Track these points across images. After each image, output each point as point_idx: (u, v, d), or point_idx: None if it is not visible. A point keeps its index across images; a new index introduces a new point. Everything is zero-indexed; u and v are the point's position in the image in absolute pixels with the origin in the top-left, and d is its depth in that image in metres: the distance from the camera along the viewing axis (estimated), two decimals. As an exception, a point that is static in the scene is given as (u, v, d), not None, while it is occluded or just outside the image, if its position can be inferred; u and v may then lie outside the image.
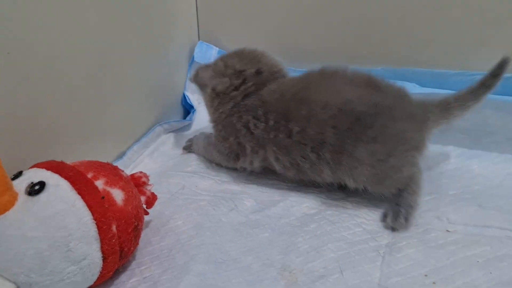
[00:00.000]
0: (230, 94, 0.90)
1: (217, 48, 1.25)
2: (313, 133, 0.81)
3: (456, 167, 0.95)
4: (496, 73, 0.84)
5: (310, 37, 1.15)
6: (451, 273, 0.70)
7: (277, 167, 0.88)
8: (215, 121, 0.95)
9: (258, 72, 0.89)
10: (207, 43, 1.26)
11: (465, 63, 1.02)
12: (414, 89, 1.03)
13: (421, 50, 1.06)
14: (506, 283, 0.67)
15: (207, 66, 0.96)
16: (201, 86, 0.97)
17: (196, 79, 0.96)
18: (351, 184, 0.82)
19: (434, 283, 0.68)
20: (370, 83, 0.83)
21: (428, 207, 0.83)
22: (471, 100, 0.85)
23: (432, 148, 0.96)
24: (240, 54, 0.93)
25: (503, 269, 0.70)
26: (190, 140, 1.08)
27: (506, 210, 0.81)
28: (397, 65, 1.08)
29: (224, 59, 0.94)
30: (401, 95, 0.85)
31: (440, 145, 1.00)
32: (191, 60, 1.24)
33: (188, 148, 1.07)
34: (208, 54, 1.25)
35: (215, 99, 0.92)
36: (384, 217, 0.82)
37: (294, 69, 1.10)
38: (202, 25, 1.26)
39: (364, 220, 0.82)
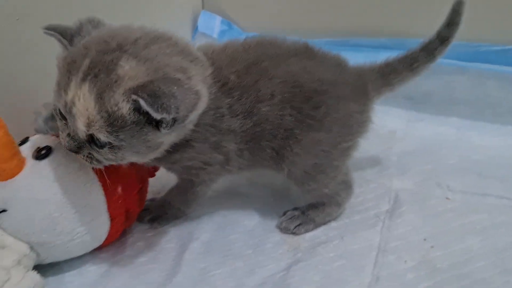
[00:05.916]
0: None
1: (221, 18, 1.24)
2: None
3: (457, 138, 0.94)
4: (453, 21, 0.70)
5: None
6: (449, 238, 0.72)
7: None
8: None
9: None
10: (211, 12, 1.24)
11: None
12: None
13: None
14: (501, 249, 0.69)
15: None
16: None
17: None
18: (284, 175, 0.72)
19: (432, 247, 0.70)
20: (308, 53, 0.70)
21: (428, 176, 0.84)
22: (422, 58, 0.73)
23: (434, 119, 0.97)
24: None
25: (499, 236, 0.72)
26: None
27: (505, 179, 0.82)
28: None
29: None
30: (339, 64, 0.72)
31: (444, 116, 0.98)
32: (195, 30, 1.23)
33: None
34: (211, 24, 1.23)
35: None
36: (287, 219, 0.76)
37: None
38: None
39: (365, 190, 0.81)
